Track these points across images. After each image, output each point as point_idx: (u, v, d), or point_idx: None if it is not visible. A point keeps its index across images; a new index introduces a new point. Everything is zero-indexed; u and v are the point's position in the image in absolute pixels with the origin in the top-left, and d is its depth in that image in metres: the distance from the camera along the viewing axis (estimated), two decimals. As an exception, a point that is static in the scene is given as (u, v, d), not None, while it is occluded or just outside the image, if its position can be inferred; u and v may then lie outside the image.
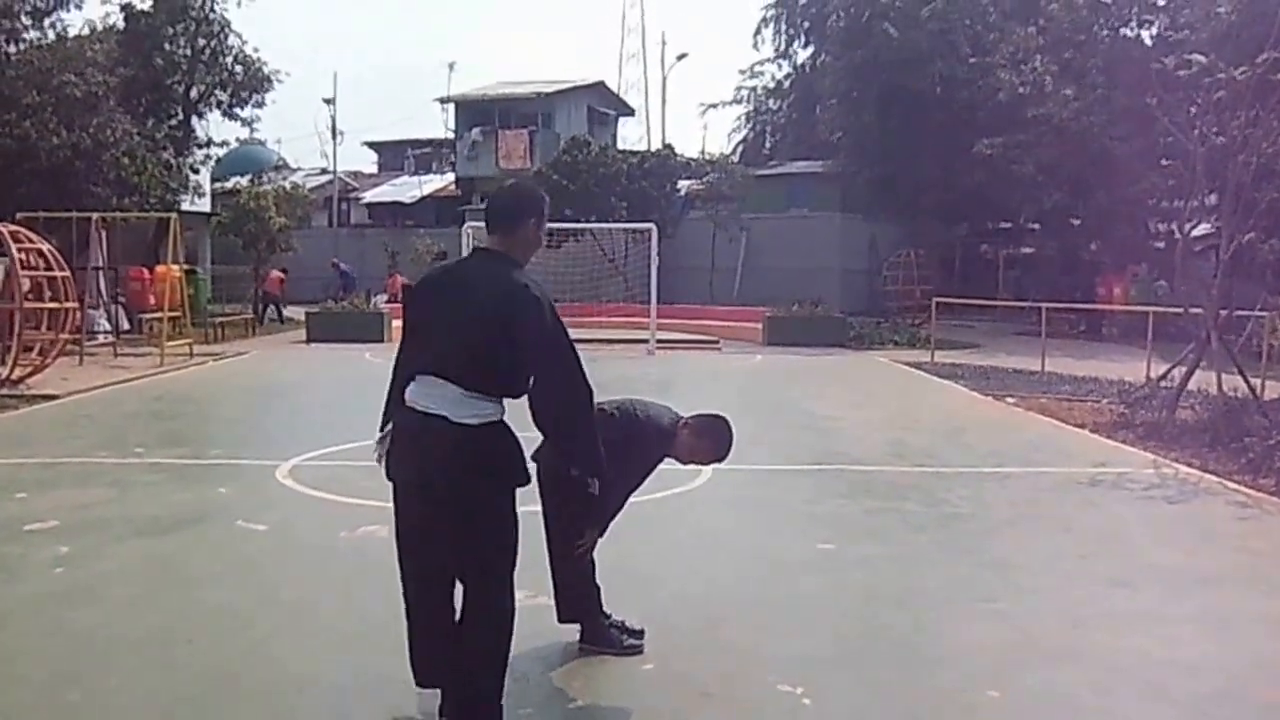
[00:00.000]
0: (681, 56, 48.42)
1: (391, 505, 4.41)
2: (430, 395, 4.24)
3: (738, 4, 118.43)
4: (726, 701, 4.70)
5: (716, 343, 24.97)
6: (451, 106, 44.69)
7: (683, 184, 36.45)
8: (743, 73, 49.77)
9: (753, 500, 8.49)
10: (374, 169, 55.78)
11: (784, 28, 46.51)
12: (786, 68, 47.78)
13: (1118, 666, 5.11)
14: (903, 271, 33.56)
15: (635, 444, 5.18)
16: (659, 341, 23.47)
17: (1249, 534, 7.91)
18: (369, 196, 48.85)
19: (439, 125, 55.05)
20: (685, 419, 5.30)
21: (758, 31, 47.30)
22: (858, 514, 8.22)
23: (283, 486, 8.79)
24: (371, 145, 55.67)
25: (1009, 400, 15.62)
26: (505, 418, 4.30)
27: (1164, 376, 14.01)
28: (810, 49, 45.73)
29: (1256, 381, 12.95)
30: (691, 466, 5.76)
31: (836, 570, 6.66)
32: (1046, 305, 21.79)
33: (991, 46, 31.19)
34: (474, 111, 43.44)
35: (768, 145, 47.07)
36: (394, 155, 54.03)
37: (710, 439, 5.27)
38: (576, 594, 5.25)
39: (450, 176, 46.15)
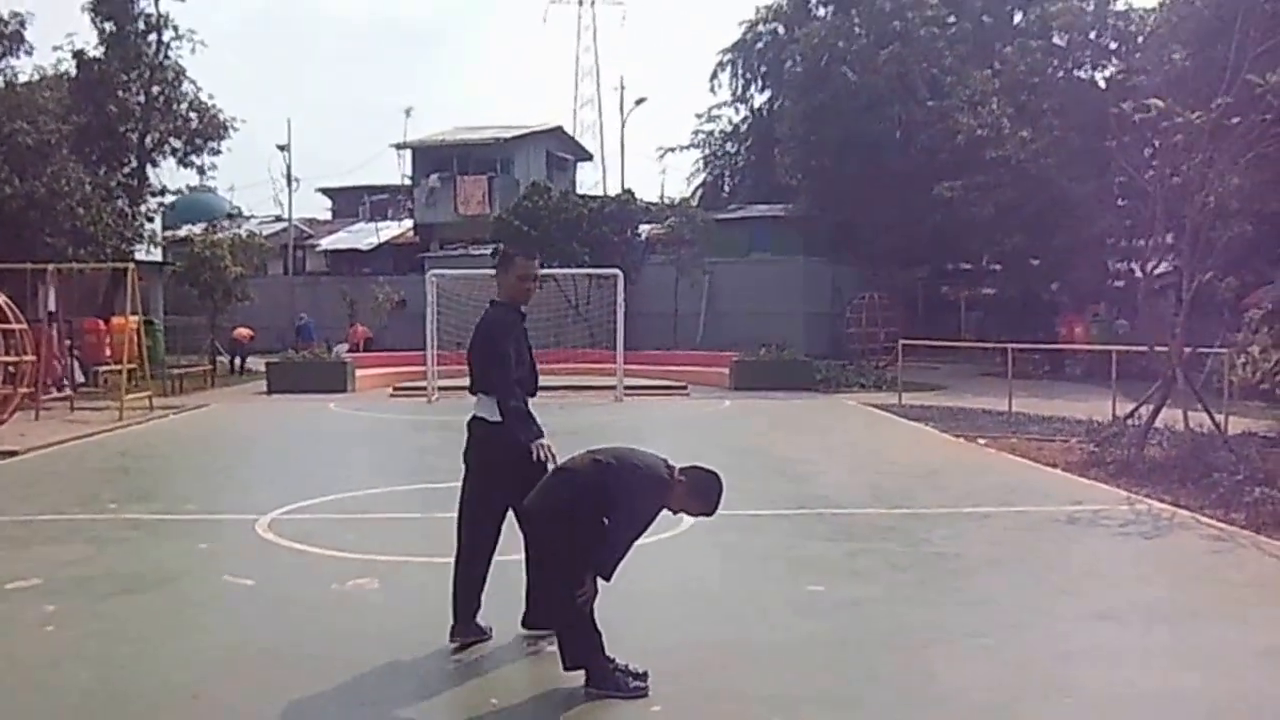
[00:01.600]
0: (640, 101, 48.60)
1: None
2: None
3: (695, 48, 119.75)
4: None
5: (684, 388, 24.99)
6: (409, 152, 44.74)
7: (644, 229, 36.62)
8: (699, 116, 50.09)
9: (737, 545, 8.48)
10: (328, 216, 55.57)
11: (741, 72, 47.02)
12: (744, 111, 48.26)
13: (1111, 700, 5.19)
14: (866, 314, 33.84)
15: (635, 493, 5.20)
16: (627, 387, 23.45)
17: (1225, 567, 8.02)
18: (325, 244, 48.61)
19: (395, 171, 55.18)
20: (679, 470, 5.33)
21: (714, 76, 47.86)
22: (841, 556, 8.24)
23: (264, 540, 8.70)
24: (326, 192, 55.52)
25: (980, 441, 15.73)
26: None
27: (1131, 414, 14.18)
28: (767, 93, 46.26)
29: (1220, 417, 13.14)
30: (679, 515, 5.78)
31: (828, 612, 6.69)
32: (1012, 346, 21.96)
33: (949, 90, 31.75)
34: (432, 157, 43.48)
35: (726, 189, 47.41)
36: (349, 202, 53.85)
37: (702, 494, 5.32)
38: (580, 641, 5.24)
39: (408, 223, 46.08)
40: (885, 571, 7.78)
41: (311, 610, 6.78)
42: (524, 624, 6.07)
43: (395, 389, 24.49)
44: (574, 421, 18.96)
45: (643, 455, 5.38)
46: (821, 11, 42.26)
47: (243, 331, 30.76)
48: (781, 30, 44.17)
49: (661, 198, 45.11)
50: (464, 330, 25.46)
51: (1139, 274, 33.26)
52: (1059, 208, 28.09)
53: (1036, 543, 8.91)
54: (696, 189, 47.80)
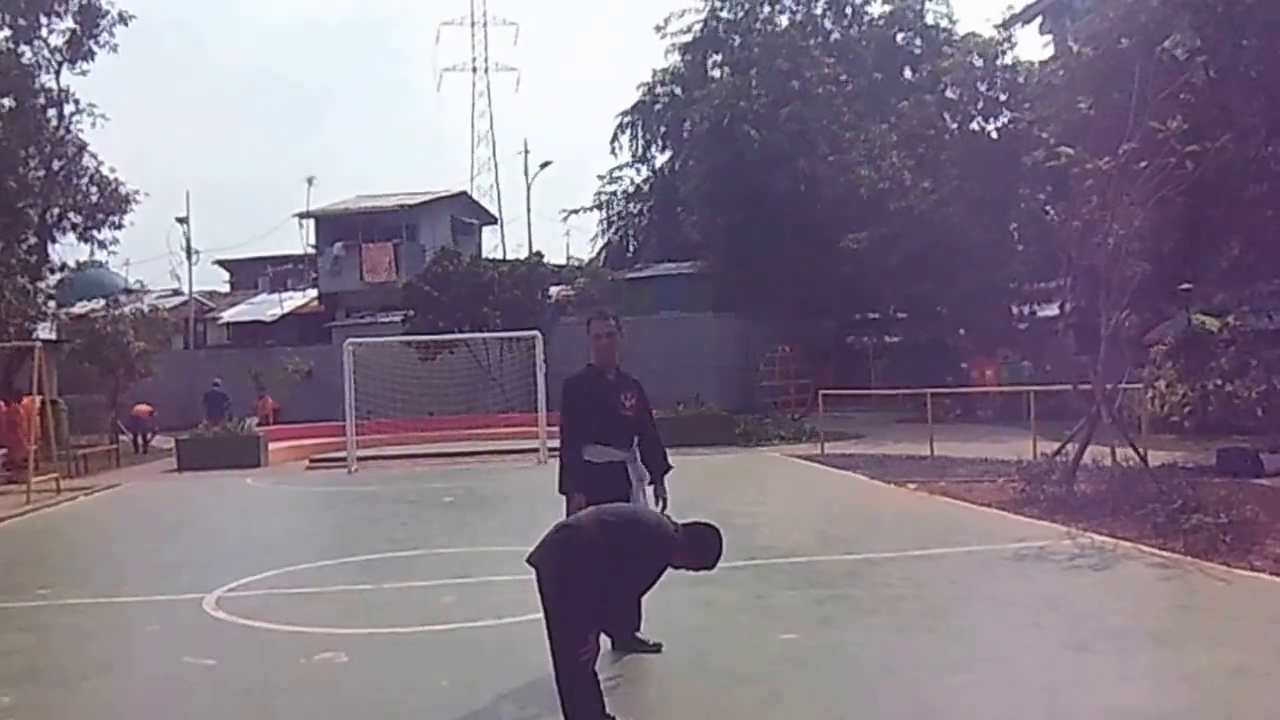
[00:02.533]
0: (545, 164, 48.80)
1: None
2: None
3: (596, 111, 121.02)
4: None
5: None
6: (312, 221, 44.31)
7: (554, 290, 36.69)
8: (602, 178, 50.58)
9: (704, 598, 8.44)
10: (226, 288, 54.71)
11: (641, 133, 47.69)
12: (645, 172, 48.90)
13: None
14: (779, 367, 34.20)
15: (641, 551, 5.20)
16: (549, 449, 23.26)
17: (1177, 594, 8.24)
18: (227, 316, 47.77)
19: (295, 241, 54.47)
20: (680, 526, 5.34)
21: (615, 138, 48.44)
22: (808, 604, 8.28)
23: (217, 619, 8.42)
24: (223, 264, 54.62)
25: (910, 486, 15.95)
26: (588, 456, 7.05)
27: (1058, 452, 14.49)
28: (668, 153, 46.96)
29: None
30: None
31: (810, 659, 6.71)
32: (930, 391, 22.38)
33: (848, 144, 32.67)
34: (335, 226, 43.17)
35: (631, 248, 47.82)
36: (248, 273, 53.08)
37: (703, 549, 5.35)
38: (582, 702, 5.18)
39: (313, 293, 45.55)
40: (856, 616, 7.83)
41: (284, 687, 6.58)
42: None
43: (312, 461, 24.04)
44: (503, 486, 18.84)
45: (647, 513, 5.42)
46: (717, 73, 43.32)
47: (143, 408, 29.93)
48: (679, 92, 45.08)
49: (567, 259, 45.36)
50: (380, 398, 25.35)
51: (1038, 316, 34.51)
52: (962, 254, 28.89)
53: (992, 580, 9.05)
54: (601, 249, 48.14)
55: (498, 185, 59.07)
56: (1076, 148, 12.81)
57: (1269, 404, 21.37)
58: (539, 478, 20.09)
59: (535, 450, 23.08)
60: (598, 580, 5.14)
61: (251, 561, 11.11)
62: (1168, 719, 5.37)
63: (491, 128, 62.58)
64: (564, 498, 6.99)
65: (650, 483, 7.11)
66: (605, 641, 6.30)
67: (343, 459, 22.58)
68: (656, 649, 6.75)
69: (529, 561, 5.45)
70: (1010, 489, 14.56)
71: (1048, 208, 31.85)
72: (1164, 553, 9.72)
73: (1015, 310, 33.57)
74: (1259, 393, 21.58)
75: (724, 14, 44.66)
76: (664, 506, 6.91)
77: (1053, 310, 36.36)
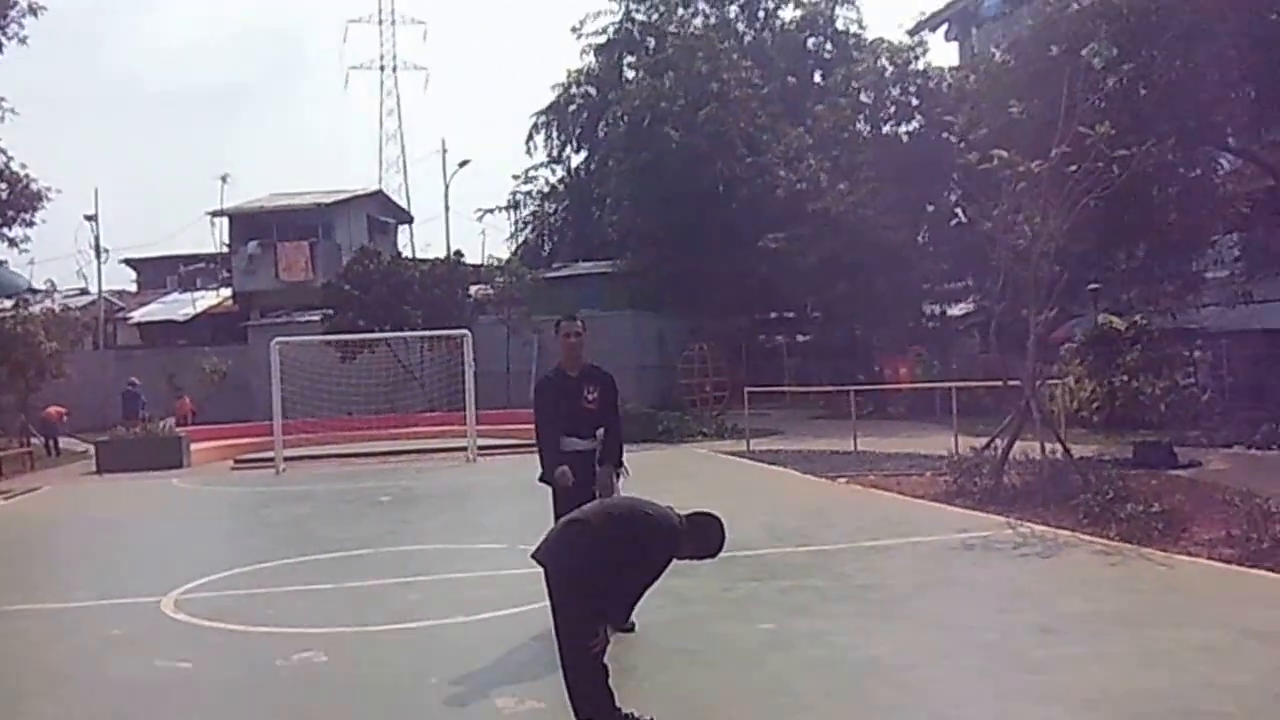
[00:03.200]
0: (464, 163, 48.39)
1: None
2: None
3: (511, 110, 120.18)
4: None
5: (533, 446, 24.94)
6: (225, 220, 43.47)
7: (474, 289, 36.57)
8: (517, 178, 50.47)
9: (671, 591, 8.51)
10: (134, 287, 53.33)
11: (556, 134, 47.69)
12: (560, 172, 48.94)
13: (1096, 702, 5.54)
14: (696, 364, 34.54)
15: (649, 542, 5.28)
16: (480, 447, 23.26)
17: (1127, 579, 8.62)
18: (138, 316, 46.58)
19: (207, 240, 53.42)
20: (687, 519, 5.44)
21: (530, 138, 48.35)
22: (775, 594, 8.48)
23: (180, 621, 8.30)
24: (131, 263, 53.22)
25: (842, 480, 16.33)
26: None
27: (988, 446, 14.93)
28: (584, 153, 47.07)
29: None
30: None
31: (796, 647, 6.89)
32: (853, 388, 22.83)
33: (765, 146, 33.18)
34: (250, 224, 42.39)
35: (546, 248, 47.81)
36: (156, 272, 51.79)
37: (706, 538, 5.44)
38: (592, 693, 5.26)
39: (226, 292, 44.68)
40: (825, 605, 8.06)
41: (269, 687, 6.55)
42: None
43: (237, 461, 23.67)
44: (437, 484, 18.77)
45: (653, 505, 5.47)
46: (632, 74, 43.56)
47: (54, 410, 29.05)
48: (594, 92, 45.21)
49: (485, 259, 45.19)
50: (300, 398, 24.99)
51: (947, 315, 35.44)
52: (877, 255, 29.56)
53: (948, 569, 9.38)
54: (517, 249, 48.07)
55: (406, 184, 58.71)
56: (1010, 151, 13.24)
57: (1173, 399, 22.36)
58: (472, 476, 20.17)
59: (464, 449, 23.03)
60: (607, 574, 5.23)
61: (201, 563, 10.95)
62: (1151, 696, 5.62)
63: (400, 126, 62.15)
64: (547, 488, 7.71)
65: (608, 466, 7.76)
66: None
67: (269, 459, 22.24)
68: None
69: (534, 557, 5.52)
70: (941, 482, 14.99)
71: (959, 210, 32.95)
72: (1102, 540, 10.16)
73: (926, 310, 34.42)
74: (1163, 388, 22.58)
75: (639, 16, 44.97)
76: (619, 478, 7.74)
77: (960, 309, 37.51)
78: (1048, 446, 13.95)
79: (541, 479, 7.73)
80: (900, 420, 27.89)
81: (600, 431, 7.84)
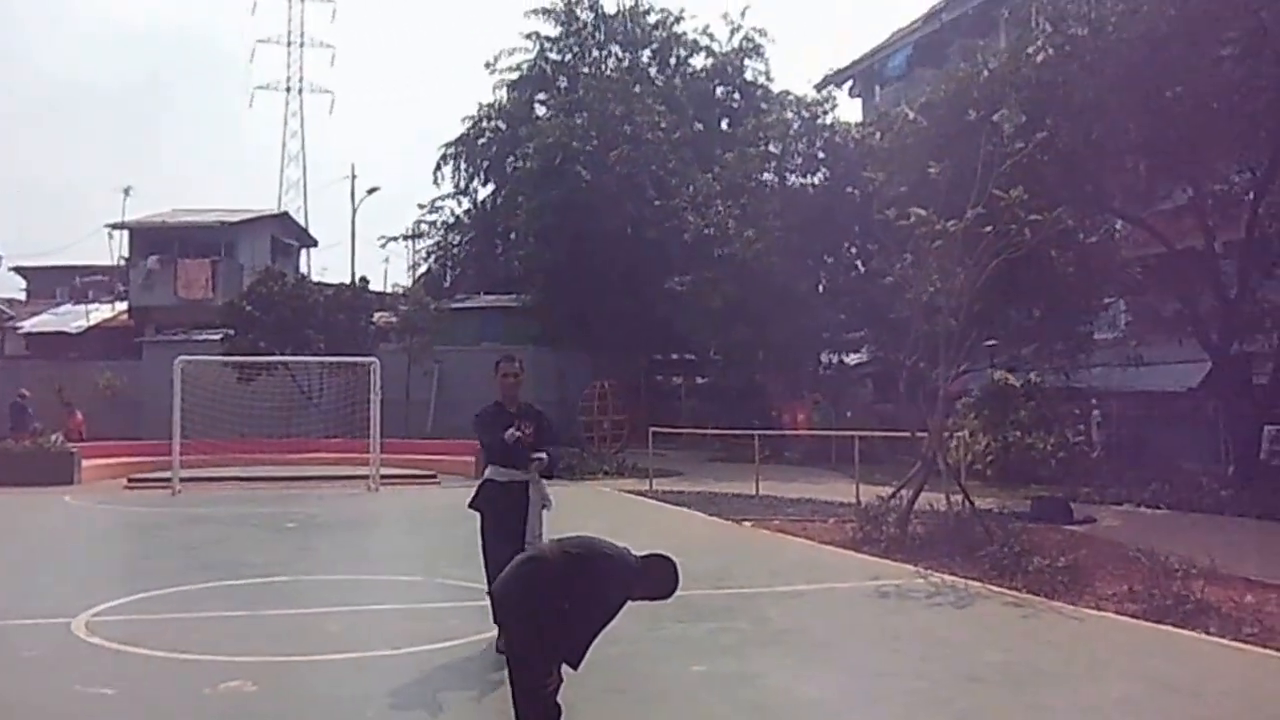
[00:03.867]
0: (372, 190, 47.86)
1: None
2: None
3: (421, 139, 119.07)
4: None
5: (434, 476, 24.74)
6: (125, 233, 42.39)
7: (377, 316, 36.16)
8: (422, 207, 50.09)
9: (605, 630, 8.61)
10: (21, 296, 51.50)
11: (464, 165, 47.47)
12: (466, 204, 48.71)
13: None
14: (596, 403, 34.57)
15: (606, 582, 5.29)
16: (383, 476, 22.93)
17: (1041, 631, 8.89)
18: (28, 325, 45.02)
19: (103, 252, 51.64)
20: (642, 560, 5.47)
21: (438, 168, 47.96)
22: (703, 635, 8.54)
23: (95, 645, 8.01)
24: (20, 271, 51.41)
25: (747, 523, 16.49)
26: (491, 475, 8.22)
27: (894, 495, 15.25)
28: (491, 187, 46.93)
29: (956, 497, 14.35)
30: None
31: (728, 689, 6.95)
32: (759, 432, 23.14)
33: (674, 190, 33.55)
34: (151, 239, 41.40)
35: (449, 279, 47.44)
36: (45, 282, 50.15)
37: (661, 580, 5.46)
38: (544, 733, 5.26)
39: (121, 306, 43.52)
40: (752, 648, 8.14)
41: (198, 718, 6.38)
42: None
43: (131, 480, 22.98)
44: (342, 512, 18.47)
45: (610, 544, 5.48)
46: (543, 111, 43.73)
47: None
48: (505, 127, 45.19)
49: (390, 286, 44.77)
50: (195, 418, 24.30)
51: (845, 364, 36.15)
52: (780, 303, 30.05)
53: (866, 615, 9.56)
54: (419, 278, 47.60)
55: (306, 207, 57.84)
56: (929, 209, 13.64)
57: (1063, 455, 23.15)
58: (376, 505, 19.88)
59: (366, 477, 22.68)
60: (565, 612, 5.23)
61: (107, 585, 10.65)
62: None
63: (303, 149, 61.32)
64: (467, 515, 8.38)
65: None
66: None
67: (165, 479, 21.62)
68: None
69: (490, 594, 5.49)
70: (848, 528, 15.24)
71: (858, 263, 33.75)
72: (1011, 592, 10.45)
73: (824, 358, 35.07)
74: (1054, 444, 23.36)
75: (553, 55, 45.12)
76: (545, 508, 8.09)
77: (854, 359, 38.30)
78: (952, 499, 14.36)
79: (472, 505, 8.24)
80: (796, 466, 28.24)
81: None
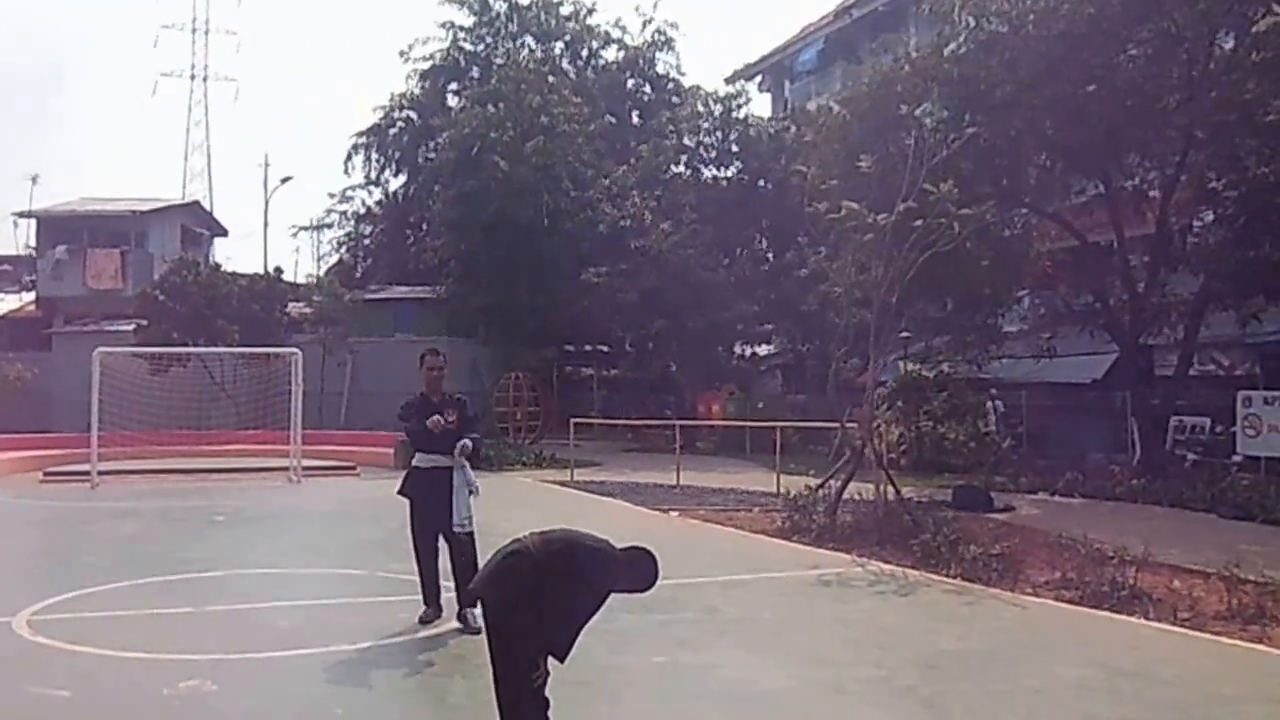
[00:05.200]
0: (286, 179, 46.87)
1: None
2: None
3: (330, 129, 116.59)
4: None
5: (354, 468, 24.34)
6: (32, 221, 40.96)
7: (291, 306, 35.45)
8: (333, 196, 49.20)
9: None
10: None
11: (375, 156, 46.78)
12: (378, 194, 47.99)
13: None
14: (511, 393, 34.33)
15: (592, 572, 5.21)
16: (305, 468, 22.49)
17: (986, 616, 9.02)
18: (-73, 316, 43.24)
19: (6, 241, 49.85)
20: (622, 552, 5.40)
21: (349, 158, 47.12)
22: (654, 627, 8.45)
23: (42, 645, 7.68)
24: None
25: (674, 513, 16.50)
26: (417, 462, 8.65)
27: (822, 485, 15.39)
28: (403, 177, 46.34)
29: (871, 486, 14.56)
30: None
31: (689, 681, 6.90)
32: (679, 423, 23.21)
33: (590, 182, 33.49)
34: (59, 228, 40.05)
35: (360, 270, 46.68)
36: (-59, 271, 48.10)
37: (640, 571, 5.39)
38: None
39: (28, 296, 42.10)
40: (706, 638, 8.10)
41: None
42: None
43: (47, 474, 22.18)
44: (268, 505, 18.09)
45: (590, 535, 5.40)
46: (455, 101, 43.24)
47: None
48: (417, 118, 44.63)
49: (306, 276, 43.99)
50: (106, 410, 23.49)
51: (758, 355, 36.44)
52: (695, 294, 30.19)
53: (813, 604, 9.61)
54: (331, 269, 46.83)
55: (211, 196, 56.45)
56: (861, 203, 13.76)
57: (974, 445, 23.60)
58: (300, 497, 19.47)
59: (285, 469, 22.24)
60: (550, 606, 5.15)
61: (42, 583, 10.29)
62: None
63: (208, 138, 59.84)
64: (396, 504, 8.88)
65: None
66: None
67: (82, 473, 20.95)
68: (477, 632, 7.21)
69: (471, 590, 5.38)
70: (775, 517, 15.33)
71: (769, 256, 34.04)
72: (949, 580, 10.60)
73: (737, 349, 35.29)
74: (966, 434, 23.82)
75: (466, 45, 44.66)
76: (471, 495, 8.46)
77: (764, 350, 38.62)
78: (881, 488, 14.53)
79: (400, 492, 8.77)
80: (711, 456, 28.36)
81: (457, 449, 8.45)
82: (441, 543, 8.57)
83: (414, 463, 8.68)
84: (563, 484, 21.14)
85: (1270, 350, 23.42)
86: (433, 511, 8.40)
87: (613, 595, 5.45)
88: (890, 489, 14.29)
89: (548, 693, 5.14)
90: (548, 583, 5.11)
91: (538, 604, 5.09)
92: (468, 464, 8.47)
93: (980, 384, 25.52)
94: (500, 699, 5.19)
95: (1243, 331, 22.22)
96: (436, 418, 8.31)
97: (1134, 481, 18.76)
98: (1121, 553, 10.47)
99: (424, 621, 8.37)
